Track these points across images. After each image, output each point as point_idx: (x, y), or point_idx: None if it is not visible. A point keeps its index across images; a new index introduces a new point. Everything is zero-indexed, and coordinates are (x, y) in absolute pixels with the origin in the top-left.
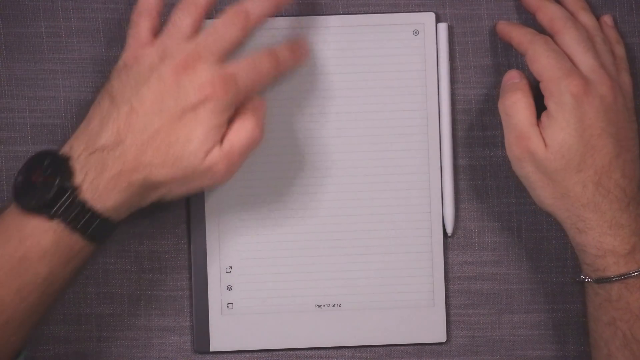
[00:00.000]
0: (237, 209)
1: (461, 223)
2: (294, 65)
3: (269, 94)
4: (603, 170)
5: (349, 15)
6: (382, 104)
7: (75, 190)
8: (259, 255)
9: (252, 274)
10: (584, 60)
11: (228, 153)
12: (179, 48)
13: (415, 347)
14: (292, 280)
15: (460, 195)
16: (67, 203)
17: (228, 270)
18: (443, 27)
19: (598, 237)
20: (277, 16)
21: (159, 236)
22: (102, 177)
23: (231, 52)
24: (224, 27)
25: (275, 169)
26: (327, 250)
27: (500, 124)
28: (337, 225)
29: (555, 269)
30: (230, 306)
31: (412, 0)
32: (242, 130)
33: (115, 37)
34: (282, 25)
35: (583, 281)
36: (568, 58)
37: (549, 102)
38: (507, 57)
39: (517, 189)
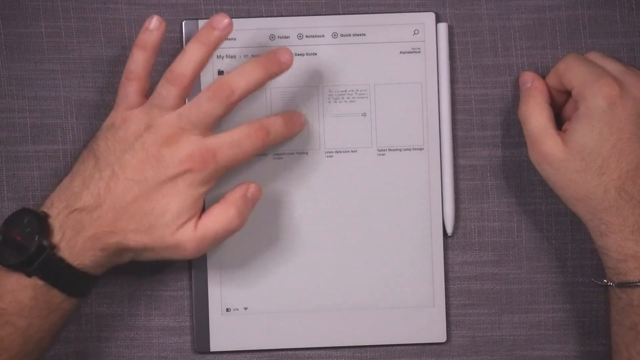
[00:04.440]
0: None
1: (461, 223)
2: (285, 137)
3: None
4: (628, 175)
5: (349, 15)
6: (382, 104)
7: (53, 248)
8: (258, 255)
9: (251, 274)
10: (615, 66)
11: (200, 236)
12: (163, 119)
13: (415, 347)
14: (292, 280)
15: (460, 195)
16: (45, 261)
17: (228, 270)
18: (443, 27)
19: (620, 241)
20: (277, 16)
21: None
22: (79, 237)
23: (215, 125)
24: (207, 102)
25: (276, 168)
26: (327, 250)
27: (500, 124)
28: (337, 225)
29: (555, 269)
30: (230, 306)
31: (412, 0)
32: (221, 218)
33: (115, 37)
34: (283, 25)
35: (606, 285)
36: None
37: (580, 106)
38: (507, 57)
39: (517, 189)
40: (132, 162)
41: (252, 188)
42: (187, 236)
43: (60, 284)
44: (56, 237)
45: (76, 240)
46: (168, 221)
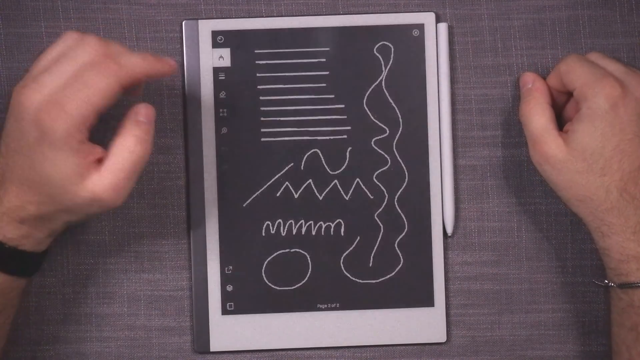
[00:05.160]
0: (237, 209)
1: (461, 223)
2: (145, 72)
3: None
4: (630, 175)
5: (349, 15)
6: (382, 104)
7: None
8: (259, 255)
9: (252, 274)
10: (616, 66)
11: (112, 182)
12: (35, 80)
13: (415, 347)
14: (292, 280)
15: (460, 195)
16: None
17: (228, 270)
18: (443, 27)
19: (621, 242)
20: (277, 16)
21: (159, 236)
22: None
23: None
24: (92, 74)
25: (275, 168)
26: (327, 249)
27: (500, 124)
28: (337, 224)
29: (555, 269)
30: (230, 306)
31: (412, 0)
32: (123, 152)
33: (115, 37)
34: (283, 25)
35: (607, 286)
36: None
37: (583, 106)
38: (507, 57)
39: (517, 189)
40: (11, 129)
41: (141, 109)
42: (97, 187)
43: None
44: None
45: None
46: (61, 187)
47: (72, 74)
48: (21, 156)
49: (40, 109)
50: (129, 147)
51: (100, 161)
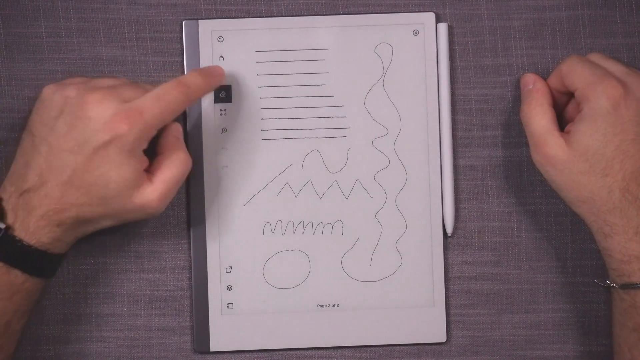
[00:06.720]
0: (237, 209)
1: (461, 223)
2: (206, 89)
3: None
4: (632, 176)
5: (349, 15)
6: (382, 104)
7: (8, 229)
8: (259, 255)
9: (252, 274)
10: (617, 67)
11: (163, 191)
12: (95, 84)
13: (415, 347)
14: (292, 280)
15: (460, 195)
16: (1, 242)
17: (228, 270)
18: (443, 27)
19: (624, 242)
20: (277, 16)
21: (159, 236)
22: (31, 217)
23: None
24: (164, 90)
25: (275, 168)
26: (328, 249)
27: (500, 124)
28: (337, 224)
29: (555, 269)
30: (230, 306)
31: (412, 0)
32: (176, 163)
33: (115, 37)
34: (283, 25)
35: (609, 286)
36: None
37: (584, 107)
38: (507, 57)
39: (517, 189)
40: (63, 129)
41: (174, 127)
42: (149, 196)
43: (20, 263)
44: (10, 219)
45: (29, 220)
46: (118, 191)
47: (149, 91)
48: (76, 156)
49: (118, 114)
50: (183, 160)
51: (147, 171)
